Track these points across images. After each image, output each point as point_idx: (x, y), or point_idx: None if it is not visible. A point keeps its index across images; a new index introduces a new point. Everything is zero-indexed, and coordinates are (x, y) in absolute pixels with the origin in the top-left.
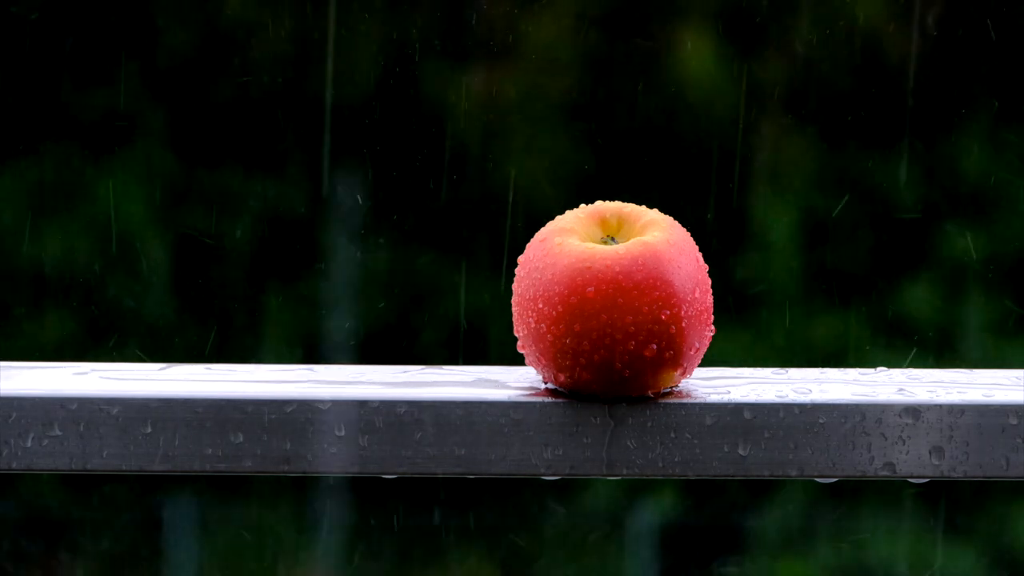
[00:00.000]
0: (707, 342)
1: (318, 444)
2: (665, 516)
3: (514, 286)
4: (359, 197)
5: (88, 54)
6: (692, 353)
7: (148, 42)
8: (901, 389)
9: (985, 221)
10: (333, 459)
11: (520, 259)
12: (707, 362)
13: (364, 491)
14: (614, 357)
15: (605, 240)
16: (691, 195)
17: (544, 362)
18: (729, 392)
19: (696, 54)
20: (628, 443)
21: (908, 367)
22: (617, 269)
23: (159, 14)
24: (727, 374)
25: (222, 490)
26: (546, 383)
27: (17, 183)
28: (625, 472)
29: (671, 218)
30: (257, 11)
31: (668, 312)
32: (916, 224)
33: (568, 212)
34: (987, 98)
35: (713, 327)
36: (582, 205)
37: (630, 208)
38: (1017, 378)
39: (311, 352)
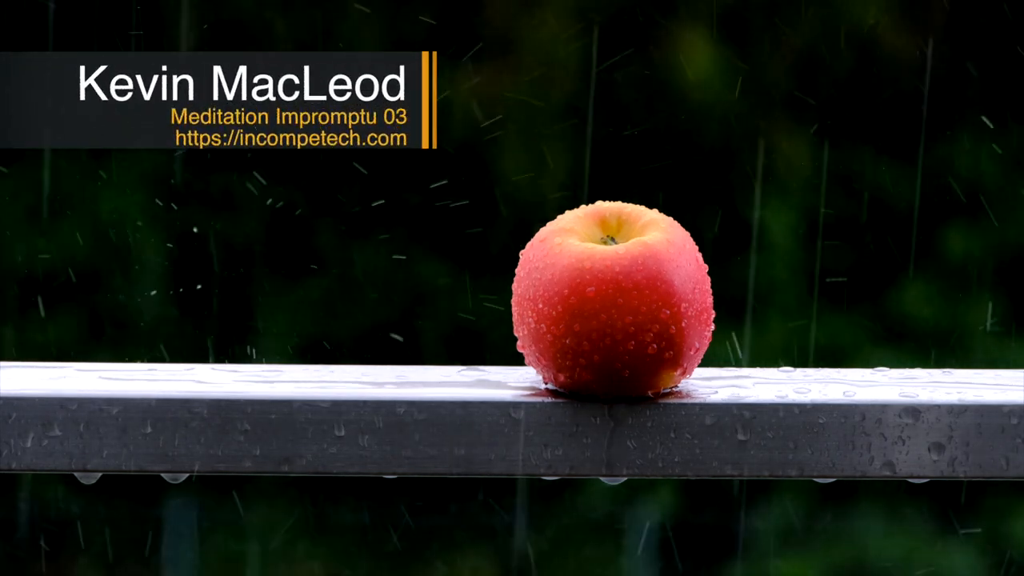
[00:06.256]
0: (707, 342)
1: (318, 444)
2: (665, 516)
3: (514, 286)
4: (359, 196)
5: (87, 50)
6: (692, 353)
7: (149, 39)
8: (901, 389)
9: (984, 221)
10: (333, 459)
11: (520, 259)
12: (707, 362)
13: (364, 491)
14: (614, 357)
15: (605, 240)
16: (691, 195)
17: (544, 362)
18: (729, 392)
19: (696, 54)
20: (628, 443)
21: (908, 367)
22: (617, 269)
23: (160, 10)
24: (727, 374)
25: (222, 490)
26: (546, 383)
27: (16, 183)
28: (625, 472)
29: (671, 218)
30: (256, 7)
31: (668, 312)
32: (916, 224)
33: (568, 212)
34: (987, 98)
35: (713, 327)
36: (582, 205)
37: (630, 208)
38: (1017, 378)
39: (311, 352)
